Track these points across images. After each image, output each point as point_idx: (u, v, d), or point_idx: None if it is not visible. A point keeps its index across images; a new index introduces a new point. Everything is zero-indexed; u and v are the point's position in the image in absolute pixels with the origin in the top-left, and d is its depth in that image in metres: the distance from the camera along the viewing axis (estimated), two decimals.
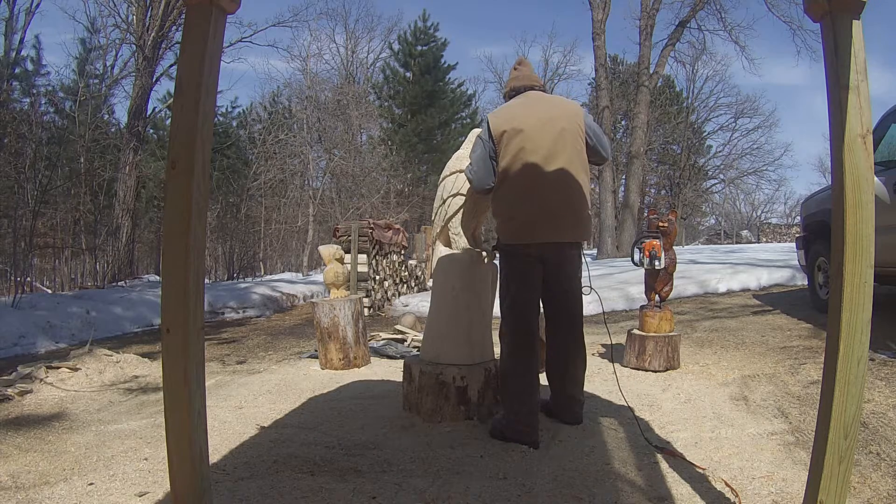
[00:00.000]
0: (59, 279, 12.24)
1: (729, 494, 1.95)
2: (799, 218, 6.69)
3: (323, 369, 4.20)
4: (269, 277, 14.00)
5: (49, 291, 10.45)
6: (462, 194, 2.95)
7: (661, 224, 3.88)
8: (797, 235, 6.18)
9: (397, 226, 9.49)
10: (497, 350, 2.81)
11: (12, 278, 8.24)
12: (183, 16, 7.95)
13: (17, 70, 12.47)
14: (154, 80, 13.84)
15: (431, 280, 3.32)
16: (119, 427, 2.90)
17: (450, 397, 2.73)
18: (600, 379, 3.66)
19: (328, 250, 4.74)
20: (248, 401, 3.35)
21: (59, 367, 3.83)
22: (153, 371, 4.12)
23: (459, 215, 2.99)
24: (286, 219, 19.15)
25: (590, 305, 7.18)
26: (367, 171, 18.20)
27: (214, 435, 2.45)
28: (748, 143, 29.52)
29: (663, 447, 2.37)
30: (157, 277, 12.47)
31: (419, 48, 24.78)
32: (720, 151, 30.70)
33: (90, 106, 12.65)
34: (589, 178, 2.70)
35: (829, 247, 1.54)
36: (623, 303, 7.18)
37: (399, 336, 5.21)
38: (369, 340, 4.76)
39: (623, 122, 26.63)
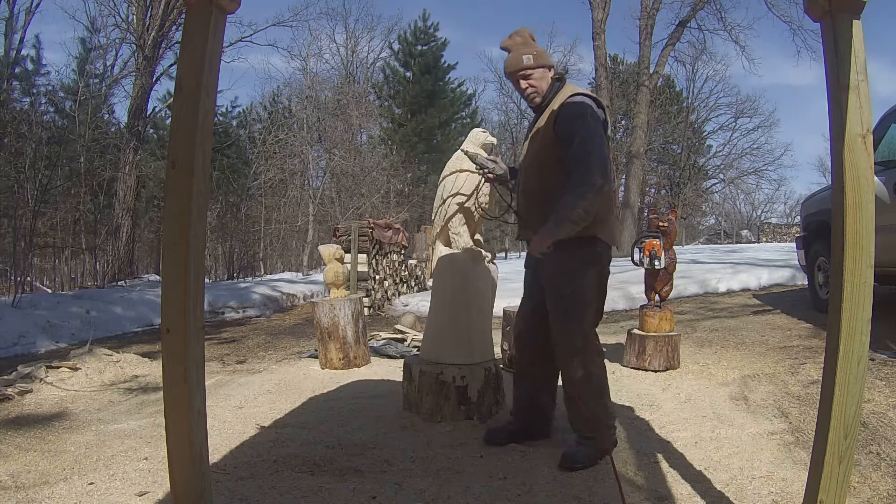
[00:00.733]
0: (59, 279, 12.24)
1: (729, 494, 1.95)
2: (799, 218, 6.69)
3: (323, 369, 4.20)
4: (269, 277, 13.99)
5: (49, 291, 10.45)
6: (463, 194, 2.95)
7: (661, 224, 3.88)
8: (797, 235, 6.18)
9: (397, 225, 9.48)
10: (497, 350, 2.80)
11: (12, 278, 8.23)
12: (183, 15, 7.95)
13: (17, 70, 12.47)
14: (154, 79, 13.84)
15: (431, 280, 3.31)
16: (119, 427, 2.90)
17: (450, 397, 2.73)
18: None
19: (328, 250, 4.74)
20: (248, 400, 3.35)
21: (59, 367, 3.83)
22: (153, 371, 4.11)
23: (460, 215, 2.99)
24: (286, 218, 19.14)
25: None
26: (367, 170, 18.20)
27: (214, 435, 2.45)
28: (748, 142, 29.48)
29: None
30: (157, 277, 12.46)
31: (419, 48, 24.78)
32: (720, 151, 30.69)
33: (90, 105, 12.64)
34: None
35: (829, 247, 1.54)
36: (624, 302, 7.18)
37: (399, 336, 5.21)
38: (369, 340, 4.75)
39: (623, 122, 26.62)
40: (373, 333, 5.22)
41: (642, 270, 4.00)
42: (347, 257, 7.22)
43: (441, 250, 3.04)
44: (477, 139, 3.01)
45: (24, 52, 12.70)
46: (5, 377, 3.76)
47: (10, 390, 3.48)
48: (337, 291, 4.61)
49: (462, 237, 2.98)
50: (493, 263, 3.10)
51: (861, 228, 1.37)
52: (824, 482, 1.40)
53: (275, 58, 59.24)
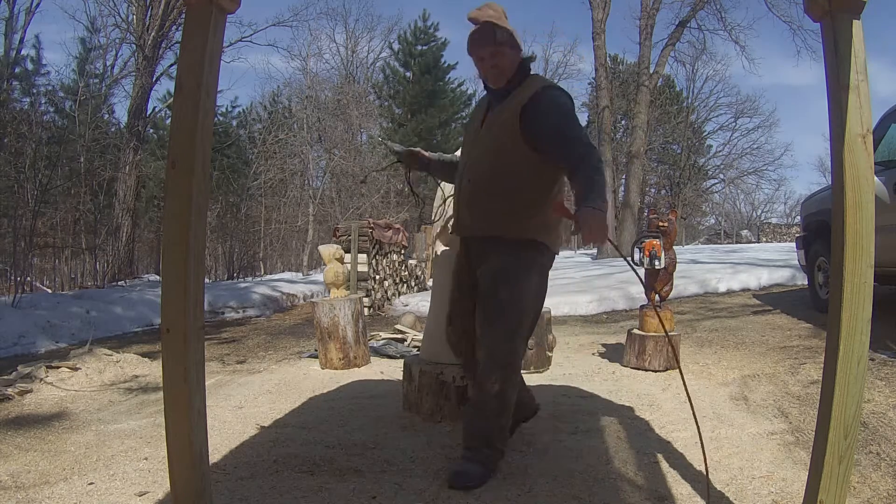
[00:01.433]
0: (59, 279, 12.24)
1: (729, 494, 1.95)
2: (799, 218, 6.69)
3: (323, 369, 4.20)
4: (269, 277, 14.00)
5: (49, 291, 10.45)
6: None
7: (661, 224, 3.88)
8: (797, 235, 6.18)
9: (397, 225, 9.48)
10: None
11: (12, 278, 8.23)
12: (183, 15, 7.95)
13: (17, 70, 12.47)
14: (154, 79, 13.84)
15: (431, 280, 3.31)
16: (119, 427, 2.90)
17: (450, 397, 2.73)
18: (600, 378, 3.66)
19: (328, 250, 4.75)
20: (248, 400, 3.35)
21: (59, 367, 3.83)
22: (153, 371, 4.11)
23: None
24: (286, 218, 19.15)
25: (590, 305, 7.21)
26: (367, 170, 18.21)
27: (214, 435, 2.45)
28: (748, 142, 29.49)
29: None
30: (157, 277, 12.46)
31: (419, 48, 24.78)
32: (720, 151, 30.69)
33: (90, 105, 12.64)
34: None
35: (829, 247, 1.54)
36: (624, 302, 7.18)
37: (399, 336, 5.21)
38: (369, 340, 4.75)
39: (623, 122, 26.63)
40: (373, 333, 5.22)
41: (642, 270, 4.00)
42: (347, 257, 7.22)
43: (441, 250, 3.04)
44: None
45: (24, 52, 12.74)
46: (5, 377, 3.76)
47: (10, 390, 3.48)
48: (337, 291, 4.61)
49: None
50: None
51: (861, 228, 1.37)
52: (824, 482, 1.40)
53: (275, 58, 59.41)
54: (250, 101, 38.15)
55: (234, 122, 21.56)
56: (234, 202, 17.89)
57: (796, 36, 19.81)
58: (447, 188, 3.00)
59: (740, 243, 24.49)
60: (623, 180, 21.82)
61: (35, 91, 13.65)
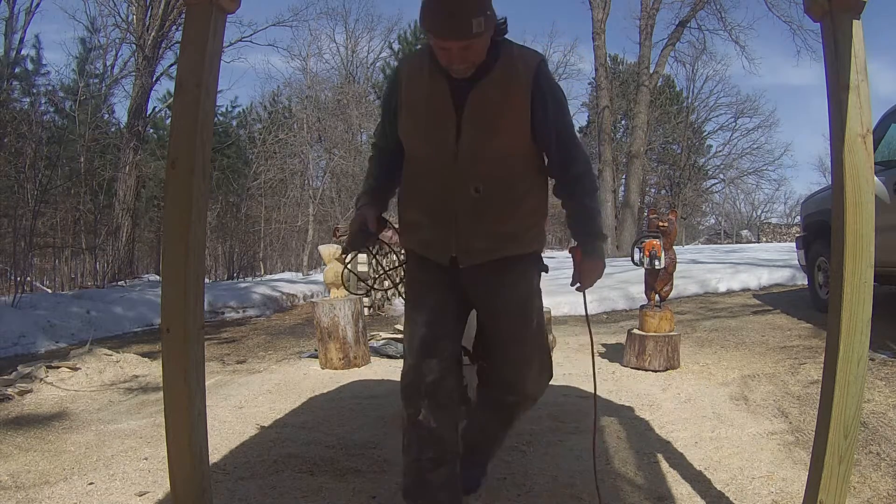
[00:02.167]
0: (59, 279, 12.24)
1: (729, 494, 1.95)
2: (799, 218, 6.68)
3: (323, 369, 4.20)
4: (269, 277, 13.99)
5: (49, 291, 10.45)
6: None
7: (661, 224, 3.88)
8: (797, 235, 6.17)
9: (398, 225, 9.48)
10: None
11: (12, 278, 8.24)
12: (183, 15, 7.95)
13: (17, 69, 12.46)
14: (154, 79, 13.85)
15: None
16: (119, 427, 2.90)
17: None
18: (600, 378, 3.66)
19: (328, 250, 4.74)
20: (248, 400, 3.35)
21: (59, 367, 3.83)
22: (153, 371, 4.11)
23: None
24: (286, 218, 19.15)
25: (590, 305, 7.20)
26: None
27: (214, 435, 2.45)
28: (748, 142, 29.44)
29: None
30: (157, 277, 12.45)
31: (419, 48, 24.74)
32: (720, 151, 30.64)
33: (90, 105, 12.65)
34: None
35: (829, 247, 1.54)
36: (624, 302, 7.18)
37: (399, 335, 5.20)
38: (369, 340, 4.75)
39: (623, 122, 26.61)
40: (373, 333, 5.22)
41: (642, 270, 4.00)
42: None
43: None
44: None
45: (24, 52, 12.71)
46: (5, 377, 3.76)
47: (10, 390, 3.48)
48: (337, 291, 4.61)
49: None
50: None
51: (861, 228, 1.37)
52: (824, 482, 1.40)
53: (275, 58, 59.02)
54: (250, 101, 38.08)
55: (234, 122, 21.53)
56: (234, 202, 17.89)
57: (796, 36, 19.83)
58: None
59: (740, 243, 24.49)
60: (623, 180, 21.83)
61: (35, 91, 13.63)
